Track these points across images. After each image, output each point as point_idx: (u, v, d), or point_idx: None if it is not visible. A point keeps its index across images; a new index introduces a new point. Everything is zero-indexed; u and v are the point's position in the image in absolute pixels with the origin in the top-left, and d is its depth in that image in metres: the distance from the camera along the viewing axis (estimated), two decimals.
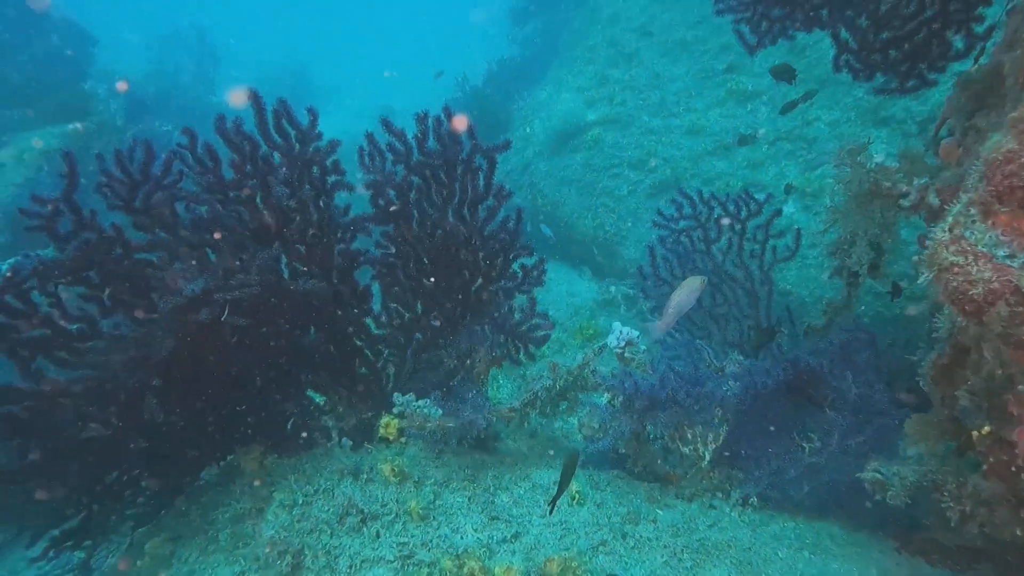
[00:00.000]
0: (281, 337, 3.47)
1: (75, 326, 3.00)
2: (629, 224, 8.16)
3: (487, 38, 21.26)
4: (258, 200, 3.14)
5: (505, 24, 15.50)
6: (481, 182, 3.38)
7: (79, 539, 3.92)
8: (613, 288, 7.64)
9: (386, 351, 3.78)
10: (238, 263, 3.10)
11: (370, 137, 3.30)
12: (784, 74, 5.43)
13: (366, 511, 3.14)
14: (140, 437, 3.31)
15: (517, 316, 3.64)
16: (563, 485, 2.76)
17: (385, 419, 3.65)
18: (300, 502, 3.30)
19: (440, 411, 3.49)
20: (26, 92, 11.10)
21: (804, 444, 3.34)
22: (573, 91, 9.84)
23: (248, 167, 3.07)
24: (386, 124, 3.22)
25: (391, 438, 3.66)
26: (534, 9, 14.28)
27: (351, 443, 3.88)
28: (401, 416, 3.58)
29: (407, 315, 3.68)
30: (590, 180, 8.71)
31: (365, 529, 3.13)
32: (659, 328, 3.58)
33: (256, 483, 3.56)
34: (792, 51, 8.01)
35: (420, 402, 3.67)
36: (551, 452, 3.85)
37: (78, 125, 9.29)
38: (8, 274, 2.76)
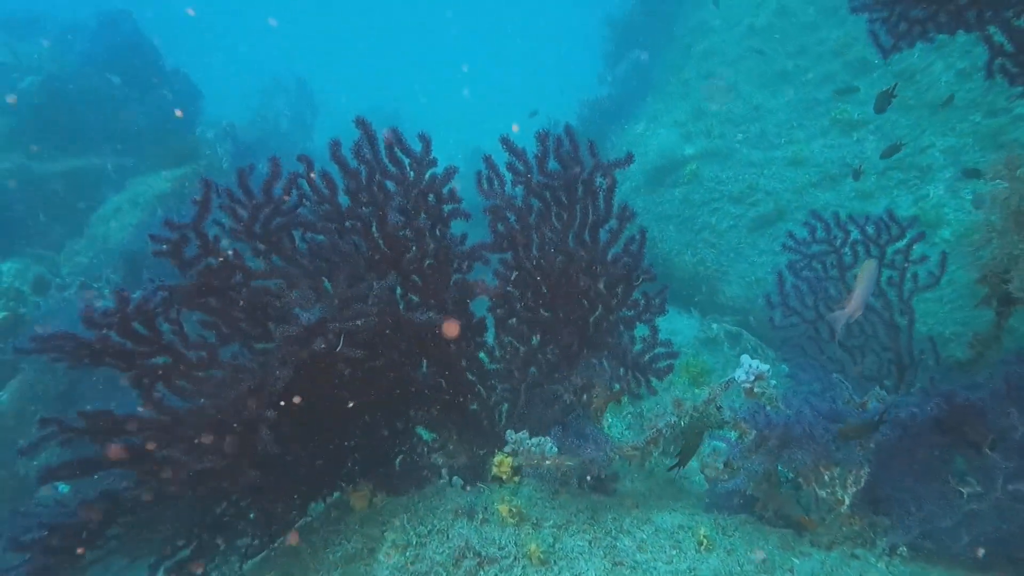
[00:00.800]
0: (394, 370, 3.34)
1: (195, 354, 2.94)
2: (730, 259, 7.85)
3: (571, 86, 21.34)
4: (374, 229, 3.04)
5: (597, 65, 15.48)
6: (601, 203, 3.21)
7: (189, 570, 3.85)
8: (715, 325, 7.32)
9: (499, 386, 3.62)
10: (355, 293, 2.99)
11: (488, 160, 3.17)
12: (883, 102, 5.16)
13: (483, 554, 2.95)
14: (252, 469, 3.21)
15: (638, 347, 3.43)
16: (687, 454, 2.71)
17: (499, 457, 3.46)
18: (414, 543, 3.13)
19: (556, 449, 3.29)
20: (140, 141, 11.58)
21: (962, 489, 2.99)
22: (669, 126, 9.65)
23: (363, 195, 2.98)
24: (507, 143, 3.09)
25: (504, 477, 3.47)
26: (624, 51, 14.21)
27: (462, 482, 3.71)
28: (515, 454, 3.39)
29: (522, 348, 3.51)
30: (689, 215, 8.45)
31: (482, 573, 2.93)
32: (849, 313, 3.34)
33: (366, 523, 3.42)
34: (901, 77, 7.64)
35: (534, 440, 3.48)
36: (672, 494, 3.59)
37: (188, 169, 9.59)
38: (139, 301, 2.72)
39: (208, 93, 13.95)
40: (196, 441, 3.06)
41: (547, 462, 3.21)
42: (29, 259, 8.10)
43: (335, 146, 2.90)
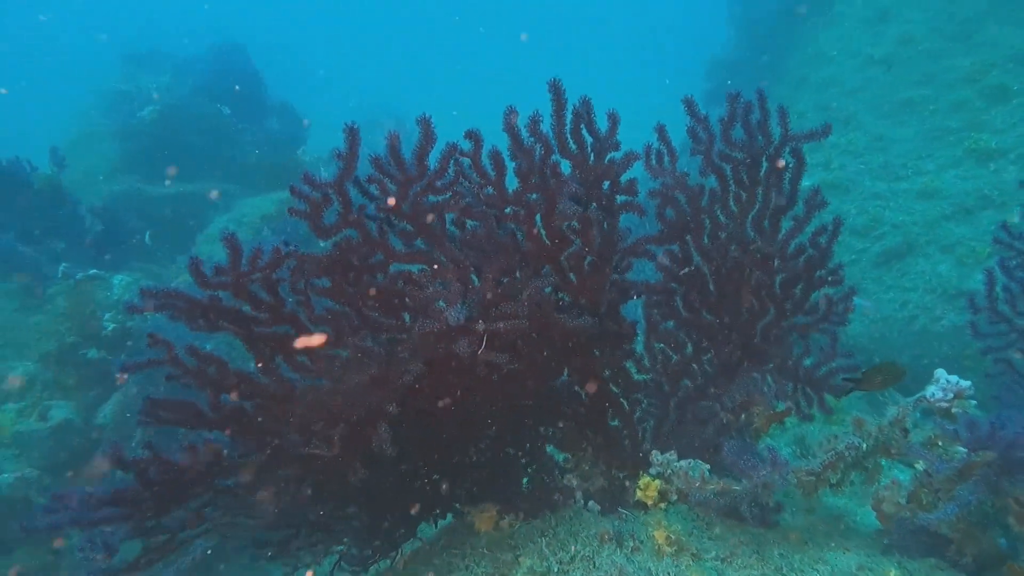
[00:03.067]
0: (533, 378, 2.97)
1: (320, 330, 2.64)
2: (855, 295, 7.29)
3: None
4: (538, 219, 2.69)
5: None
6: (787, 185, 2.80)
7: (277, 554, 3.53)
8: None
9: (645, 401, 3.20)
10: (506, 290, 2.65)
11: (662, 132, 2.78)
12: None
13: None
14: (362, 468, 2.88)
15: (812, 359, 2.98)
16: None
17: (644, 480, 3.04)
18: (555, 570, 2.73)
19: (707, 470, 2.87)
20: (246, 169, 11.70)
21: None
22: None
23: (535, 178, 2.65)
24: (689, 105, 2.70)
25: (650, 503, 3.04)
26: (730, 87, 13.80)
27: (599, 507, 3.30)
28: (663, 477, 2.97)
29: (675, 357, 3.10)
30: None
31: None
32: None
33: (495, 546, 3.03)
34: None
35: (684, 462, 3.06)
36: (839, 532, 3.10)
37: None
38: (251, 256, 2.44)
39: (313, 121, 14.13)
40: (309, 424, 2.75)
41: (709, 486, 2.78)
42: (139, 273, 8.11)
43: (511, 114, 2.56)
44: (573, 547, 2.81)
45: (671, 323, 3.05)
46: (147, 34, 17.07)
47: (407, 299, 2.65)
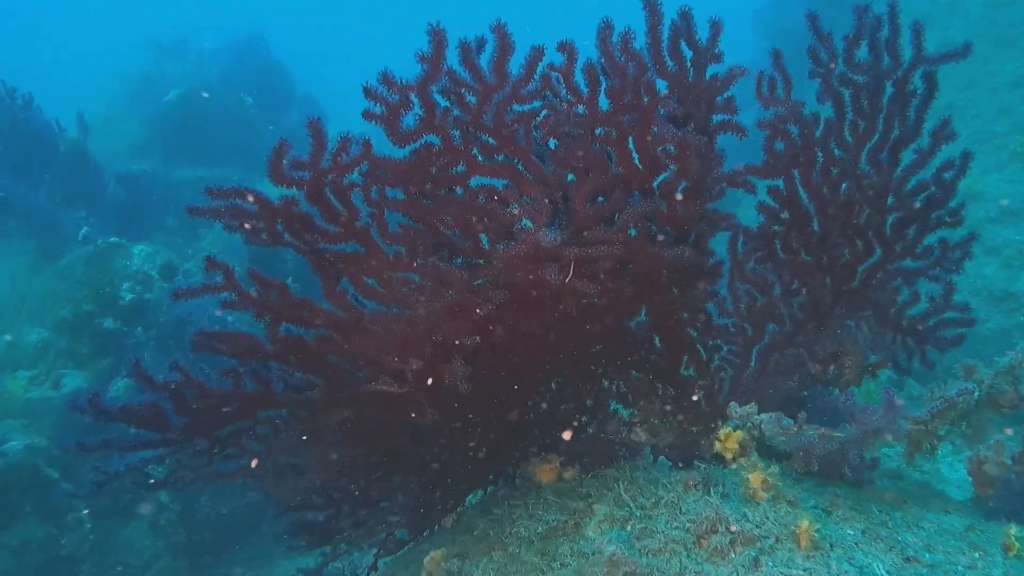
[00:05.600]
0: (613, 315, 2.72)
1: (393, 249, 2.39)
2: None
3: None
4: (629, 142, 2.44)
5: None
6: (912, 113, 2.56)
7: (318, 540, 3.28)
8: None
9: (724, 348, 2.94)
10: (599, 211, 2.40)
11: (776, 56, 2.52)
12: None
13: (737, 529, 2.26)
14: (431, 408, 2.62)
15: (919, 307, 2.73)
16: None
17: (724, 430, 2.77)
18: (637, 515, 2.46)
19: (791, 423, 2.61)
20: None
21: None
22: None
23: (628, 97, 2.39)
24: (813, 21, 2.47)
25: (729, 456, 2.78)
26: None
27: (670, 464, 3.03)
28: (749, 428, 2.71)
29: (760, 300, 2.84)
30: None
31: (734, 555, 2.23)
32: None
33: (564, 495, 2.77)
34: None
35: (765, 415, 2.80)
36: (933, 495, 2.83)
37: None
38: (334, 152, 2.19)
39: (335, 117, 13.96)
40: (376, 355, 2.50)
41: (808, 431, 2.51)
42: (160, 245, 7.89)
43: (606, 29, 2.32)
44: (656, 493, 2.55)
45: (758, 259, 2.80)
46: (174, 25, 16.98)
47: (487, 219, 2.40)
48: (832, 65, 2.51)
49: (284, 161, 2.12)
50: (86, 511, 6.34)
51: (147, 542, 6.44)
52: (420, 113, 2.19)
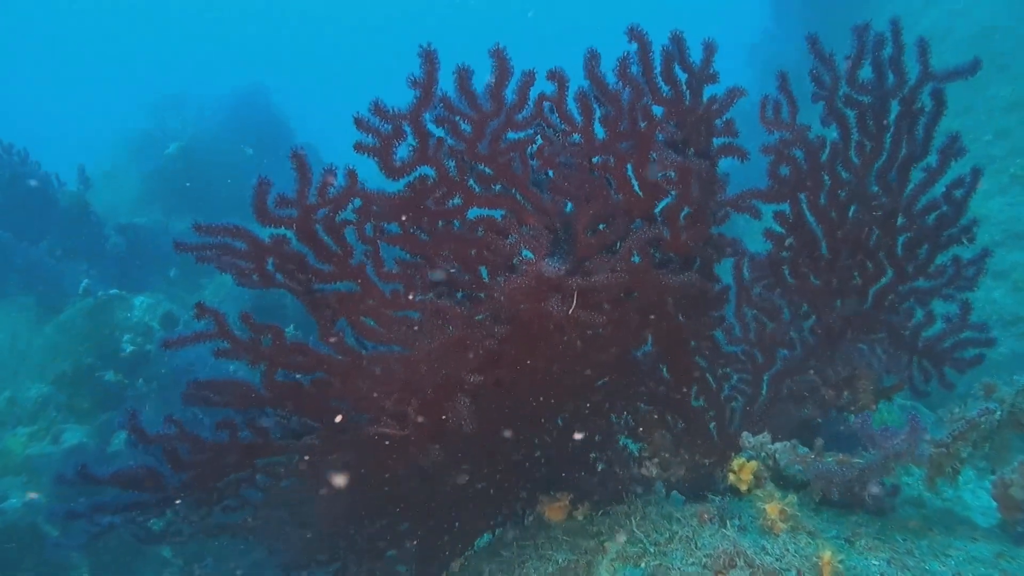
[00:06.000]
0: (618, 344, 2.65)
1: (390, 287, 2.33)
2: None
3: None
4: (629, 170, 2.39)
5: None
6: (920, 131, 2.50)
7: None
8: None
9: (734, 376, 2.86)
10: (601, 240, 2.35)
11: (783, 78, 2.46)
12: None
13: (757, 563, 2.15)
14: (436, 448, 2.53)
15: (938, 328, 2.65)
16: None
17: (738, 461, 2.68)
18: (651, 551, 2.36)
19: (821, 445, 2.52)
20: None
21: None
22: None
23: (623, 125, 2.33)
24: (813, 44, 2.43)
25: (744, 488, 2.68)
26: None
27: (683, 499, 2.93)
28: (763, 458, 2.62)
29: (770, 325, 2.77)
30: None
31: None
32: None
33: (574, 534, 2.67)
34: None
35: (778, 444, 2.71)
36: (959, 522, 2.72)
37: None
38: (320, 186, 2.13)
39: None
40: (376, 397, 2.42)
41: (827, 458, 2.42)
42: (162, 295, 7.83)
43: (593, 59, 2.29)
44: (668, 528, 2.45)
45: (765, 286, 2.73)
46: (176, 80, 17.21)
47: (486, 251, 2.35)
48: (836, 87, 2.47)
49: (269, 199, 2.06)
50: (86, 571, 6.19)
51: None
52: (413, 143, 2.14)
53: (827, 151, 2.52)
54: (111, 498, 2.54)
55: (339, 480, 2.66)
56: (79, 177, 8.46)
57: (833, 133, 2.61)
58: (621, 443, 3.07)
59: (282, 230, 2.23)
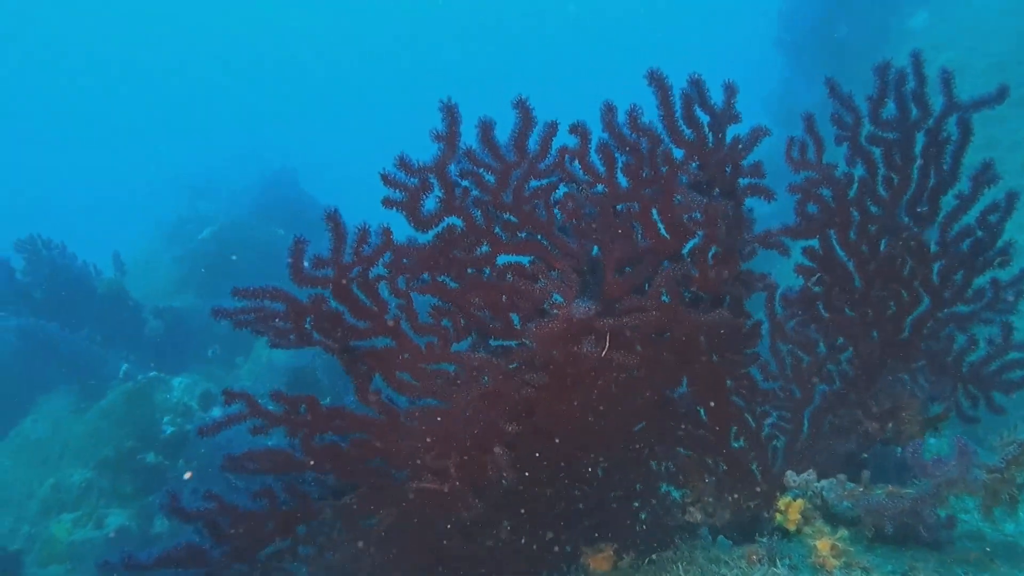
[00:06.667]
0: (652, 387, 2.63)
1: (425, 340, 2.35)
2: None
3: None
4: (653, 213, 2.41)
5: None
6: (948, 160, 2.51)
7: None
8: None
9: (774, 414, 2.82)
10: (630, 280, 2.36)
11: (809, 120, 2.45)
12: None
13: None
14: (477, 501, 2.51)
15: (982, 352, 2.60)
16: None
17: (784, 500, 2.62)
18: None
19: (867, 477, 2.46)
20: None
21: None
22: None
23: (645, 172, 2.35)
24: (833, 88, 2.46)
25: (792, 528, 2.61)
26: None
27: (729, 543, 2.86)
28: (813, 495, 2.56)
29: (806, 359, 2.74)
30: None
31: None
32: None
33: None
34: None
35: (824, 482, 2.65)
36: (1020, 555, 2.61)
37: None
38: (356, 242, 2.16)
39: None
40: (414, 453, 2.42)
41: (876, 491, 2.36)
42: (199, 376, 7.93)
43: (609, 111, 2.34)
44: (717, 571, 2.38)
45: (799, 321, 2.71)
46: (206, 166, 17.74)
47: (516, 296, 2.37)
48: (858, 126, 2.48)
49: (304, 261, 2.10)
50: None
51: None
52: (440, 195, 2.19)
53: (855, 188, 2.53)
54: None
55: (382, 543, 2.64)
56: (114, 264, 8.69)
57: (859, 171, 2.62)
58: (663, 490, 3.02)
59: (317, 289, 2.26)
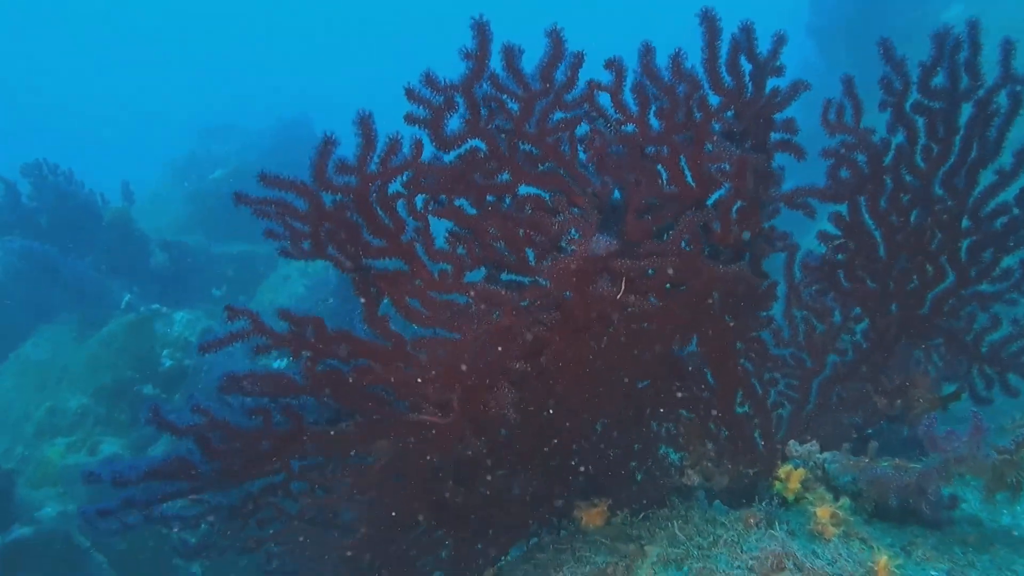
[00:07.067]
0: (662, 341, 2.57)
1: (438, 267, 2.29)
2: None
3: None
4: (681, 160, 2.34)
5: None
6: (993, 133, 2.39)
7: None
8: None
9: (781, 381, 2.77)
10: (649, 224, 2.30)
11: (848, 82, 2.37)
12: None
13: (808, 567, 2.05)
14: (475, 437, 2.46)
15: (1004, 332, 2.54)
16: None
17: (785, 468, 2.57)
18: (694, 554, 2.26)
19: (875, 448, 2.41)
20: None
21: None
22: None
23: (679, 115, 2.26)
24: (887, 50, 2.37)
25: (791, 497, 2.58)
26: None
27: (726, 509, 2.82)
28: (814, 467, 2.52)
29: (820, 328, 2.68)
30: None
31: None
32: None
33: (613, 537, 2.57)
34: None
35: (827, 454, 2.61)
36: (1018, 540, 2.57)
37: None
38: (385, 153, 2.09)
39: None
40: (417, 383, 2.36)
41: (882, 462, 2.31)
42: (202, 312, 7.90)
43: (648, 52, 2.26)
44: (712, 532, 2.35)
45: (818, 289, 2.64)
46: (219, 110, 17.63)
47: (533, 230, 2.30)
48: (906, 92, 2.39)
49: (329, 164, 2.02)
50: None
51: None
52: (465, 115, 2.11)
53: (891, 155, 2.45)
54: (142, 491, 2.48)
55: (376, 483, 2.61)
56: (123, 193, 8.63)
57: (898, 139, 2.54)
58: (662, 451, 2.98)
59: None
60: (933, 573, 2.11)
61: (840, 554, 2.08)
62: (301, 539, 2.70)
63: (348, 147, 2.12)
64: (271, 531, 2.70)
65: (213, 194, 11.62)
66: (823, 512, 2.19)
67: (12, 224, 8.18)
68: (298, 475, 2.57)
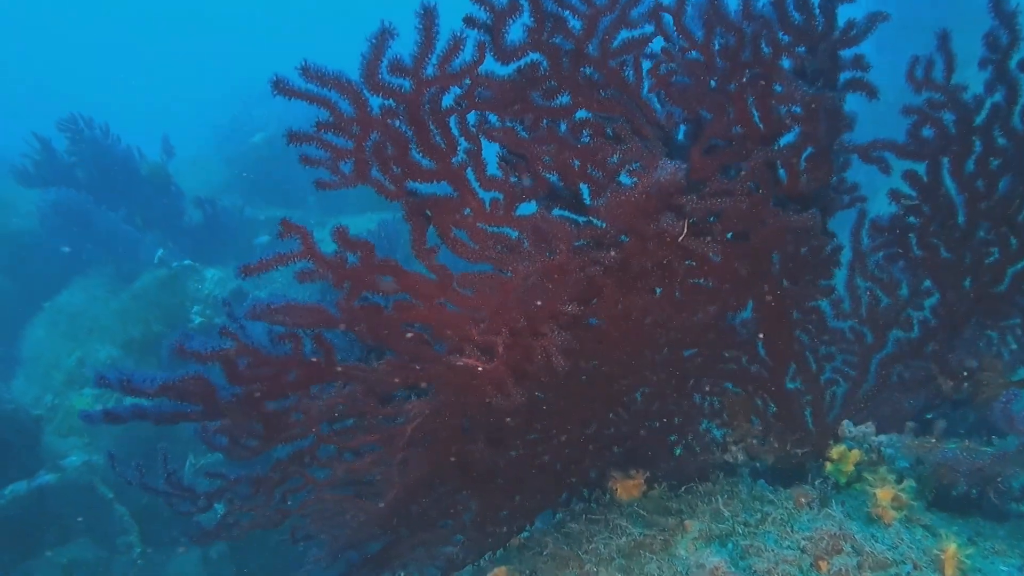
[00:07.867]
0: (718, 302, 2.39)
1: (490, 196, 2.11)
2: None
3: None
4: (749, 100, 2.15)
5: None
6: None
7: (371, 570, 2.97)
8: None
9: (838, 356, 2.58)
10: (717, 160, 2.12)
11: (944, 37, 2.19)
12: None
13: (867, 550, 1.88)
14: (518, 389, 2.28)
15: None
16: None
17: (838, 449, 2.39)
18: (740, 531, 2.10)
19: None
20: (346, 201, 11.57)
21: None
22: None
23: (746, 53, 2.08)
24: (997, 3, 2.17)
25: (843, 480, 2.40)
26: None
27: (771, 489, 2.65)
28: (869, 450, 2.34)
29: (885, 301, 2.49)
30: None
31: None
32: None
33: (651, 510, 2.42)
34: None
35: (883, 437, 2.42)
36: None
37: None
38: (446, 64, 1.89)
39: None
40: (460, 324, 2.20)
41: (949, 444, 2.13)
42: (232, 270, 7.87)
43: None
44: (760, 508, 2.18)
45: (886, 256, 2.45)
46: (264, 76, 17.54)
47: (591, 161, 2.10)
48: (1012, 47, 2.18)
49: (383, 62, 1.81)
50: (136, 535, 6.17)
51: (195, 573, 6.23)
52: (528, 23, 1.92)
53: (983, 115, 2.24)
54: (154, 405, 2.31)
55: (405, 443, 2.46)
56: (163, 148, 8.59)
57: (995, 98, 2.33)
58: (704, 427, 2.82)
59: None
60: (1004, 568, 1.92)
61: (902, 539, 1.91)
62: (327, 505, 2.56)
63: None
64: (298, 501, 2.56)
65: (254, 158, 11.57)
66: (884, 494, 2.00)
67: (51, 180, 8.18)
68: (327, 438, 2.41)
